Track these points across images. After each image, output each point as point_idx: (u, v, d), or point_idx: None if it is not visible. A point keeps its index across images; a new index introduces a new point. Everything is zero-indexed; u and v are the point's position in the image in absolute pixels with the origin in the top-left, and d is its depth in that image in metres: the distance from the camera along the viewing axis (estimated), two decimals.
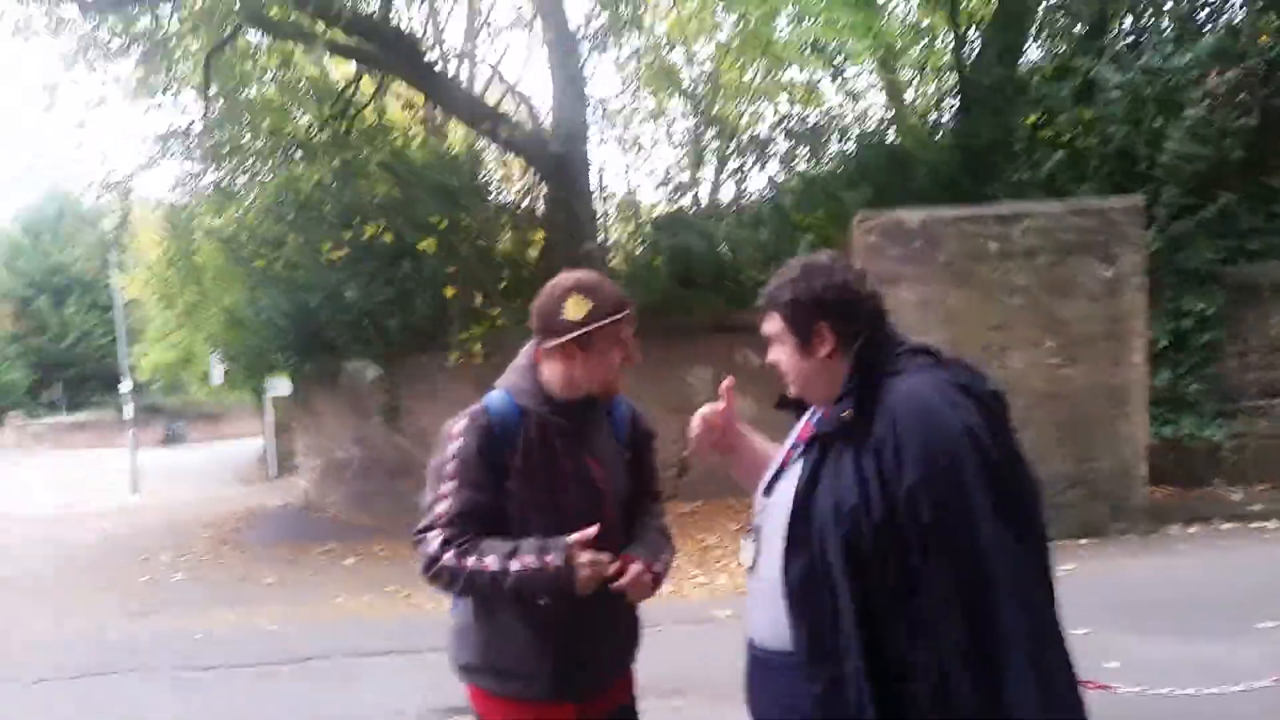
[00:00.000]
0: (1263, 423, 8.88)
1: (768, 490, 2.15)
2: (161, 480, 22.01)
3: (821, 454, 1.97)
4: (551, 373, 2.36)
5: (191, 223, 14.72)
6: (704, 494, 9.92)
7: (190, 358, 23.49)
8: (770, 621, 2.04)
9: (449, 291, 10.88)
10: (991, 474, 1.81)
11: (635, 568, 2.31)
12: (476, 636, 2.36)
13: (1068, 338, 7.93)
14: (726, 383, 2.39)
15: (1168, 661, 4.81)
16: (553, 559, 2.18)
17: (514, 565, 2.18)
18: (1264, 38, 10.10)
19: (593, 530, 2.21)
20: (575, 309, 2.28)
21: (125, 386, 23.87)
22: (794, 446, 2.15)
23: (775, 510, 2.06)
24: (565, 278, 2.36)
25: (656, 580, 2.38)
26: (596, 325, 2.27)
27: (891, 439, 1.85)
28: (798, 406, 2.24)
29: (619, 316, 2.31)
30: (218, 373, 20.94)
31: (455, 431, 2.30)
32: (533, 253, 13.23)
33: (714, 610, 6.60)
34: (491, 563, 2.19)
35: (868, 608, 1.86)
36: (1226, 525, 7.84)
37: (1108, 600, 6.13)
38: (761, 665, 2.12)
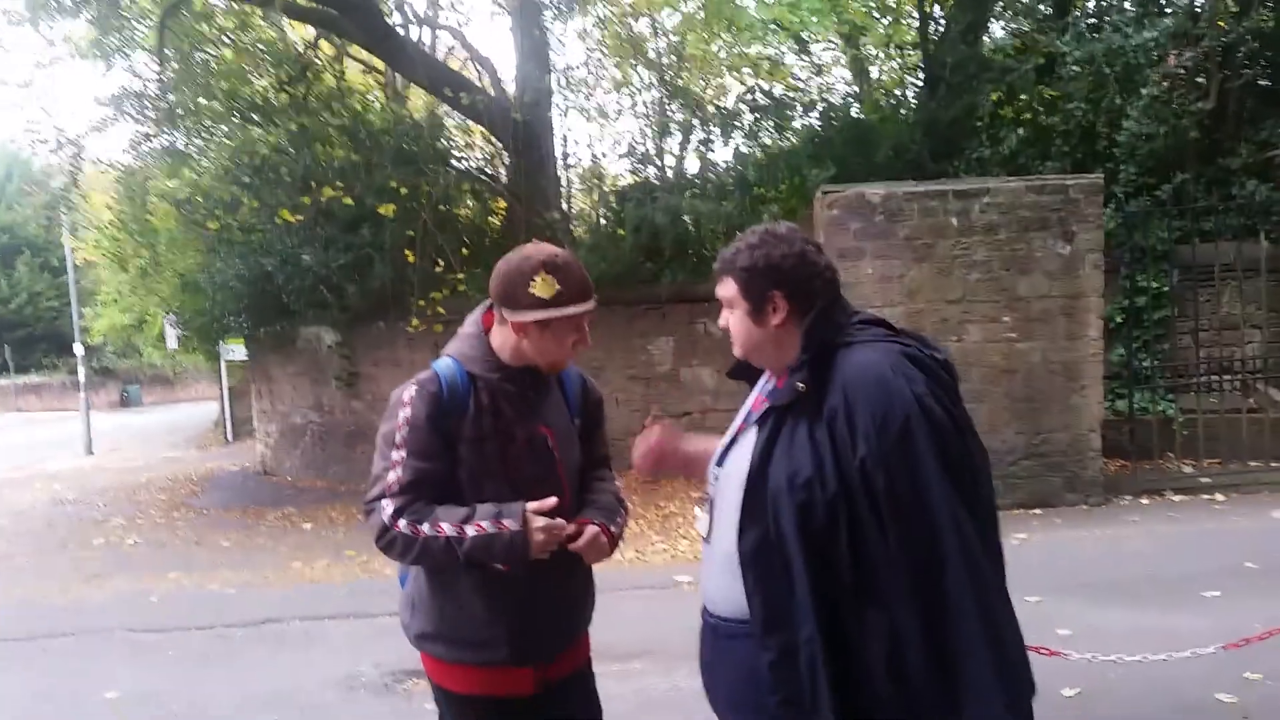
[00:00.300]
0: (1213, 399, 9.07)
1: (720, 460, 2.16)
2: (115, 443, 21.74)
3: (776, 425, 1.99)
4: (502, 341, 2.32)
5: (145, 185, 14.45)
6: None
7: (144, 321, 23.16)
8: (725, 590, 2.06)
9: (410, 257, 10.78)
10: (941, 443, 1.84)
11: (591, 530, 2.32)
12: (431, 605, 2.34)
13: (1025, 313, 8.04)
14: (650, 420, 2.42)
15: (1117, 629, 4.92)
16: (508, 523, 2.16)
17: (469, 530, 2.16)
18: (1221, 23, 10.23)
19: (551, 501, 2.21)
20: (544, 287, 2.21)
21: (78, 349, 23.49)
22: (746, 417, 2.16)
23: (728, 480, 2.08)
24: (537, 251, 2.29)
25: (613, 542, 2.39)
26: (560, 313, 2.23)
27: (844, 409, 1.87)
28: (749, 377, 2.26)
29: (584, 309, 2.27)
30: (172, 337, 20.66)
31: (405, 399, 2.26)
32: (495, 221, 13.15)
33: (675, 576, 6.65)
34: (446, 528, 2.17)
35: (821, 577, 1.88)
36: (1177, 498, 8.02)
37: (1059, 569, 6.26)
38: (716, 632, 2.15)
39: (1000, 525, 2.02)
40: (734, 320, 2.11)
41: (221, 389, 22.02)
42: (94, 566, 8.57)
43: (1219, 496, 7.95)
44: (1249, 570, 5.90)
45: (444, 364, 2.32)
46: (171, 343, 21.28)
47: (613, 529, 2.40)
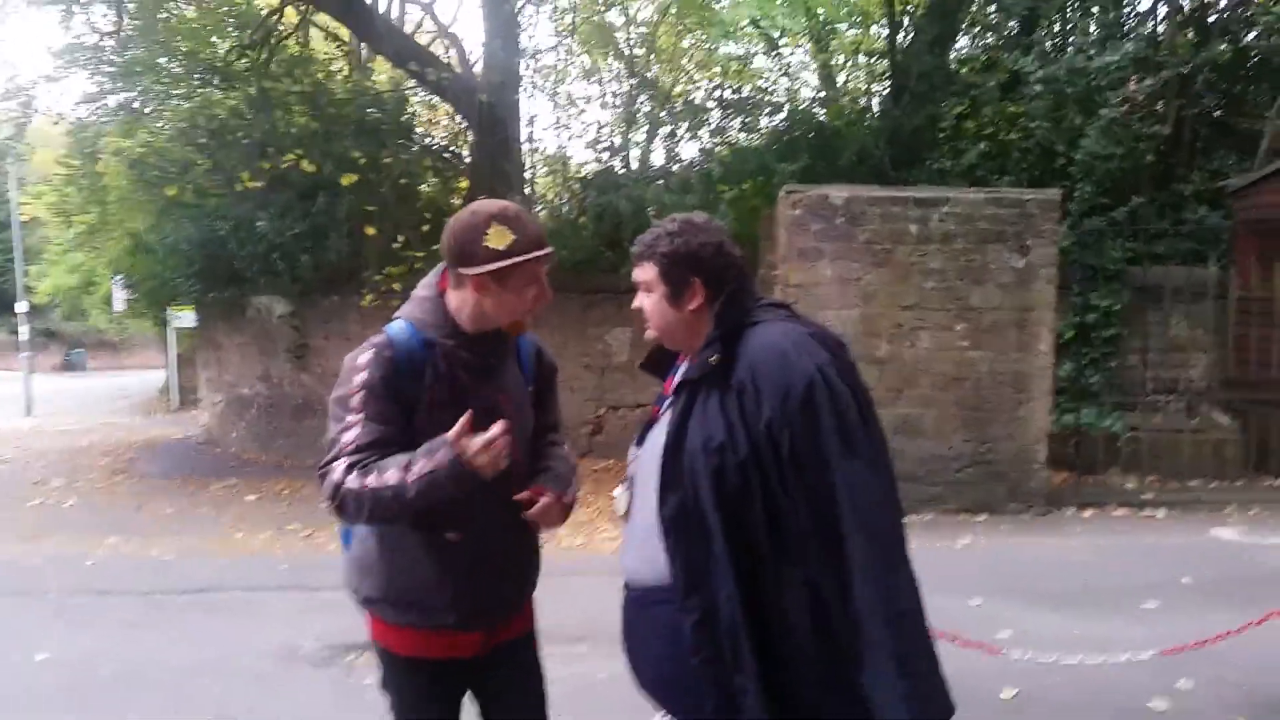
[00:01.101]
0: (1157, 418, 9.26)
1: (640, 441, 2.27)
2: (57, 406, 21.26)
3: (690, 398, 2.10)
4: (460, 303, 2.29)
5: (98, 142, 14.14)
6: (617, 453, 9.96)
7: (92, 282, 22.69)
8: (645, 559, 2.15)
9: (369, 230, 10.65)
10: (840, 409, 1.96)
11: (546, 499, 2.34)
12: (380, 568, 2.32)
13: (977, 323, 8.14)
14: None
15: (1055, 634, 5.01)
16: (440, 454, 2.11)
17: (410, 475, 2.11)
18: (1181, 50, 10.45)
19: (500, 425, 2.15)
20: (498, 238, 2.19)
21: (21, 308, 22.93)
22: (660, 402, 2.28)
23: (647, 458, 2.19)
24: (486, 204, 2.28)
25: (566, 510, 2.42)
26: (519, 259, 2.21)
27: (751, 381, 2.00)
28: (660, 370, 2.36)
29: (542, 253, 2.25)
30: (120, 299, 20.25)
31: (360, 363, 2.22)
32: (456, 201, 13.04)
33: None
34: (391, 477, 2.12)
35: (736, 538, 1.99)
36: (1119, 512, 8.17)
37: (1001, 574, 6.37)
38: (637, 603, 2.23)
39: (903, 512, 2.09)
40: (650, 302, 2.22)
41: (168, 356, 21.63)
42: (29, 527, 8.38)
43: (1159, 513, 8.12)
44: (1185, 585, 6.03)
45: (398, 327, 2.29)
46: (119, 305, 20.84)
47: (567, 498, 2.41)
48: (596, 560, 6.77)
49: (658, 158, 14.78)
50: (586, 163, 14.16)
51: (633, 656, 2.27)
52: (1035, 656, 4.12)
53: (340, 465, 2.16)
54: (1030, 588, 6.04)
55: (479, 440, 2.12)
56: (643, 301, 2.23)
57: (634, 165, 14.01)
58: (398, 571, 2.30)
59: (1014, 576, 6.32)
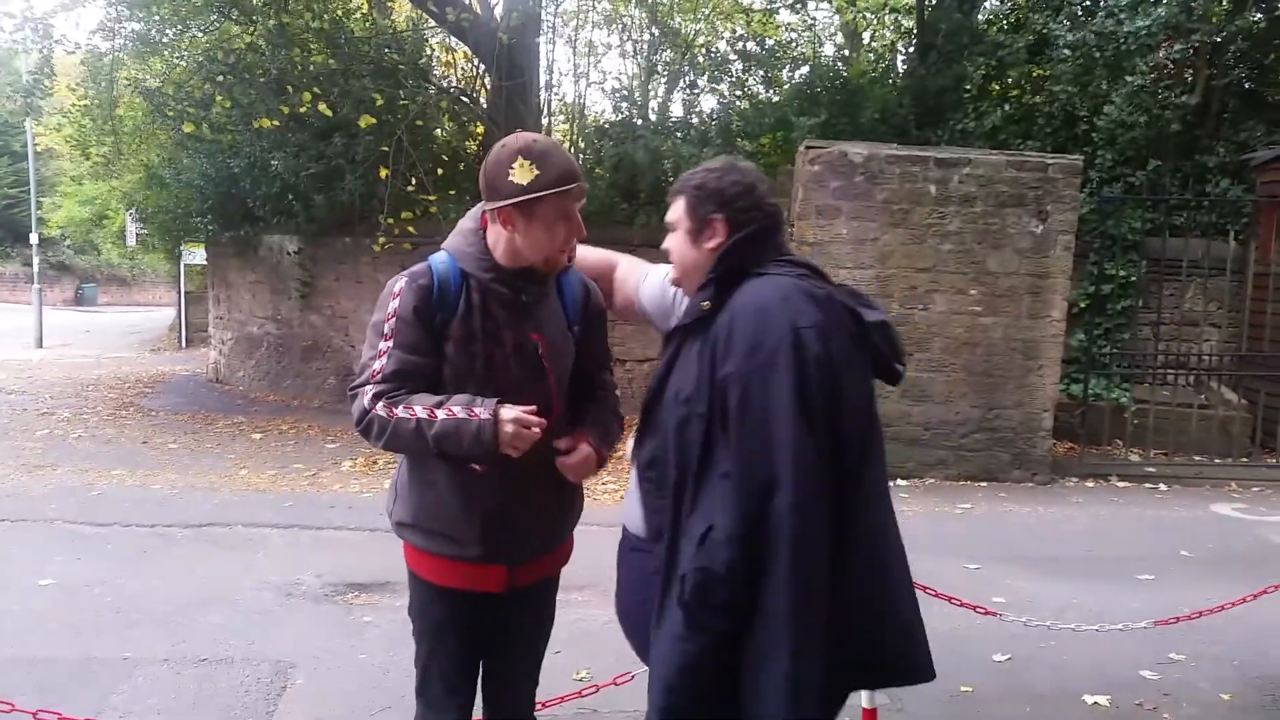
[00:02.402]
0: (1165, 391, 9.21)
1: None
2: (67, 339, 21.35)
3: (679, 344, 2.05)
4: (495, 239, 2.28)
5: (115, 72, 14.02)
6: (625, 408, 9.95)
7: (105, 215, 22.65)
8: (636, 508, 2.17)
9: (382, 172, 10.58)
10: (803, 378, 1.84)
11: (584, 449, 2.33)
12: (410, 495, 2.36)
13: (992, 288, 8.08)
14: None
15: (1051, 602, 5.03)
16: (480, 411, 2.13)
17: (440, 414, 2.15)
18: (1214, 18, 10.25)
19: (531, 408, 2.18)
20: (523, 173, 2.16)
21: (34, 239, 22.96)
22: None
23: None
24: (516, 138, 2.25)
25: (601, 463, 2.39)
26: (541, 193, 2.17)
27: (725, 331, 1.92)
28: None
29: (567, 188, 2.20)
30: (132, 233, 20.25)
31: (395, 290, 2.25)
32: (471, 145, 12.95)
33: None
34: (418, 411, 2.17)
35: (687, 489, 1.92)
36: (1121, 484, 8.16)
37: (1000, 541, 6.37)
38: (623, 547, 2.27)
39: (883, 473, 2.04)
40: (674, 241, 2.16)
41: (179, 293, 21.65)
42: (36, 457, 8.44)
43: (1162, 486, 8.10)
44: (1184, 558, 6.05)
45: (439, 258, 2.30)
46: (131, 240, 20.83)
47: (604, 452, 2.40)
48: (598, 512, 6.74)
49: (676, 110, 14.65)
50: (604, 111, 14.03)
51: (617, 596, 2.33)
52: (1029, 621, 4.12)
53: (369, 391, 2.22)
54: (1028, 554, 6.05)
55: (515, 414, 2.14)
56: (669, 242, 2.17)
57: (652, 116, 13.87)
58: (426, 499, 2.34)
59: (1012, 544, 6.33)
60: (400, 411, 2.18)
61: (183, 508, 6.76)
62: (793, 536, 1.79)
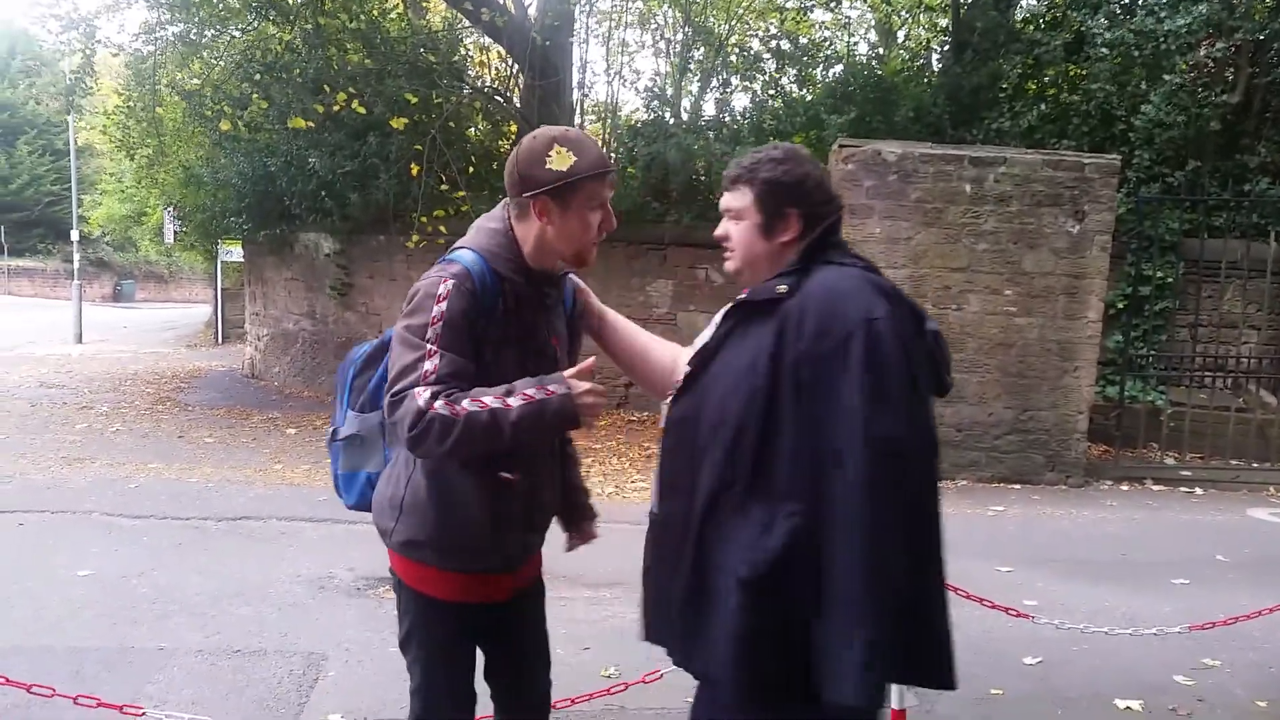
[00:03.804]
0: (1203, 394, 9.09)
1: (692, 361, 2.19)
2: (105, 335, 21.67)
3: (736, 321, 2.02)
4: (524, 234, 2.24)
5: (156, 73, 14.21)
6: (652, 405, 10.00)
7: (144, 213, 22.95)
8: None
9: (415, 171, 10.65)
10: (875, 363, 1.83)
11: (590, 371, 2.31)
12: (425, 512, 2.27)
13: (1028, 289, 8.02)
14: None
15: (1084, 605, 4.98)
16: (555, 388, 2.09)
17: (514, 401, 2.08)
18: (1257, 15, 10.10)
19: (591, 361, 2.17)
20: (560, 160, 2.15)
21: (74, 236, 23.31)
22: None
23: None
24: (548, 129, 2.25)
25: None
26: (580, 177, 2.16)
27: (798, 312, 1.90)
28: None
29: (604, 172, 2.21)
30: (170, 231, 20.51)
31: (439, 293, 2.14)
32: (504, 144, 13.00)
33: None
34: (490, 400, 2.08)
35: (724, 459, 1.91)
36: (1157, 487, 8.08)
37: (1033, 544, 6.32)
38: (653, 526, 2.16)
39: (940, 462, 2.02)
40: (739, 231, 2.11)
41: (215, 290, 21.91)
42: (75, 450, 8.58)
43: (1198, 490, 8.01)
44: (1220, 563, 5.97)
45: (470, 259, 2.22)
46: (169, 237, 21.09)
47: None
48: (626, 509, 6.79)
49: (708, 108, 14.62)
50: (636, 110, 14.03)
51: (643, 583, 2.21)
52: (1062, 624, 4.08)
53: (423, 392, 2.08)
54: (1061, 558, 5.99)
55: (589, 384, 2.12)
56: (729, 229, 2.13)
57: (684, 115, 13.85)
58: (448, 514, 2.26)
59: (1046, 547, 6.27)
60: (468, 405, 2.07)
61: (218, 501, 6.85)
62: (864, 519, 1.78)
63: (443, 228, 10.50)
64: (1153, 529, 6.84)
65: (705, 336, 2.20)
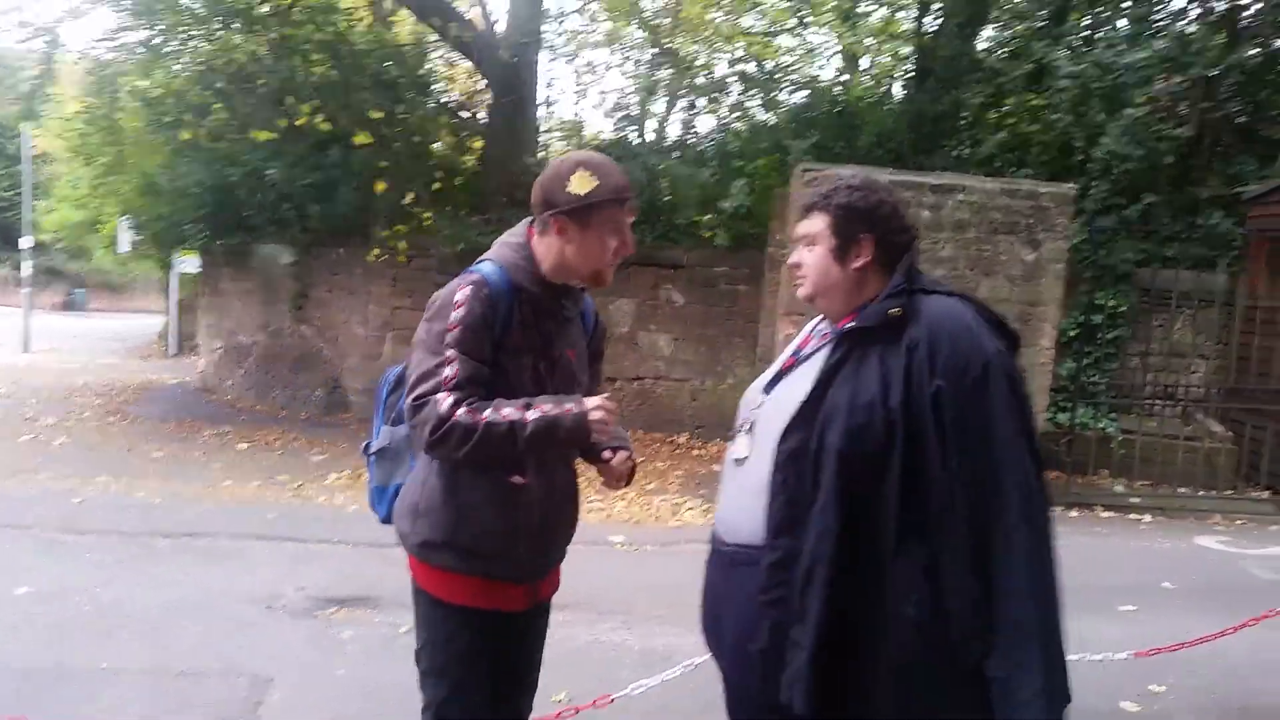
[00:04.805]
0: (1152, 423, 9.22)
1: (769, 388, 2.18)
2: (55, 344, 21.26)
3: (848, 350, 2.01)
4: (544, 251, 2.33)
5: (116, 81, 14.01)
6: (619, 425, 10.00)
7: (98, 220, 22.58)
8: (752, 514, 2.06)
9: (379, 186, 10.57)
10: (1014, 394, 1.92)
11: (625, 454, 2.41)
12: (443, 514, 2.32)
13: None
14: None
15: None
16: (570, 405, 2.19)
17: (531, 414, 2.17)
18: (1211, 53, 10.33)
19: (606, 394, 2.33)
20: (581, 183, 2.25)
21: (25, 243, 22.87)
22: (796, 354, 2.19)
23: (775, 406, 2.09)
24: (573, 154, 2.37)
25: (633, 471, 2.45)
26: (600, 200, 2.25)
27: (926, 343, 1.91)
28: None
29: (624, 199, 2.30)
30: (125, 239, 20.19)
31: (458, 299, 2.24)
32: (469, 160, 12.97)
33: (608, 535, 6.68)
34: (510, 413, 2.17)
35: (853, 494, 1.91)
36: (1106, 514, 8.16)
37: None
38: (731, 560, 2.14)
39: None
40: (812, 257, 2.13)
41: (169, 301, 21.59)
42: (19, 462, 8.38)
43: (1146, 517, 8.10)
44: (1166, 590, 6.04)
45: (489, 269, 2.31)
46: (124, 246, 20.76)
47: (635, 458, 2.47)
48: (582, 530, 6.74)
49: (674, 129, 14.70)
50: (602, 131, 14.07)
51: (714, 613, 2.20)
52: None
53: (446, 398, 2.18)
54: None
55: (599, 401, 2.22)
56: (803, 256, 2.15)
57: (649, 135, 13.91)
58: (463, 515, 2.31)
59: None
60: (489, 414, 2.17)
61: (165, 517, 6.72)
62: (1029, 548, 1.86)
63: (402, 244, 10.43)
64: (1101, 555, 6.91)
65: (778, 366, 2.23)
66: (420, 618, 2.43)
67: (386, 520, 2.56)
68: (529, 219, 2.39)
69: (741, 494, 2.12)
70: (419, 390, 2.21)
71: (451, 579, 2.34)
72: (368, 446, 2.58)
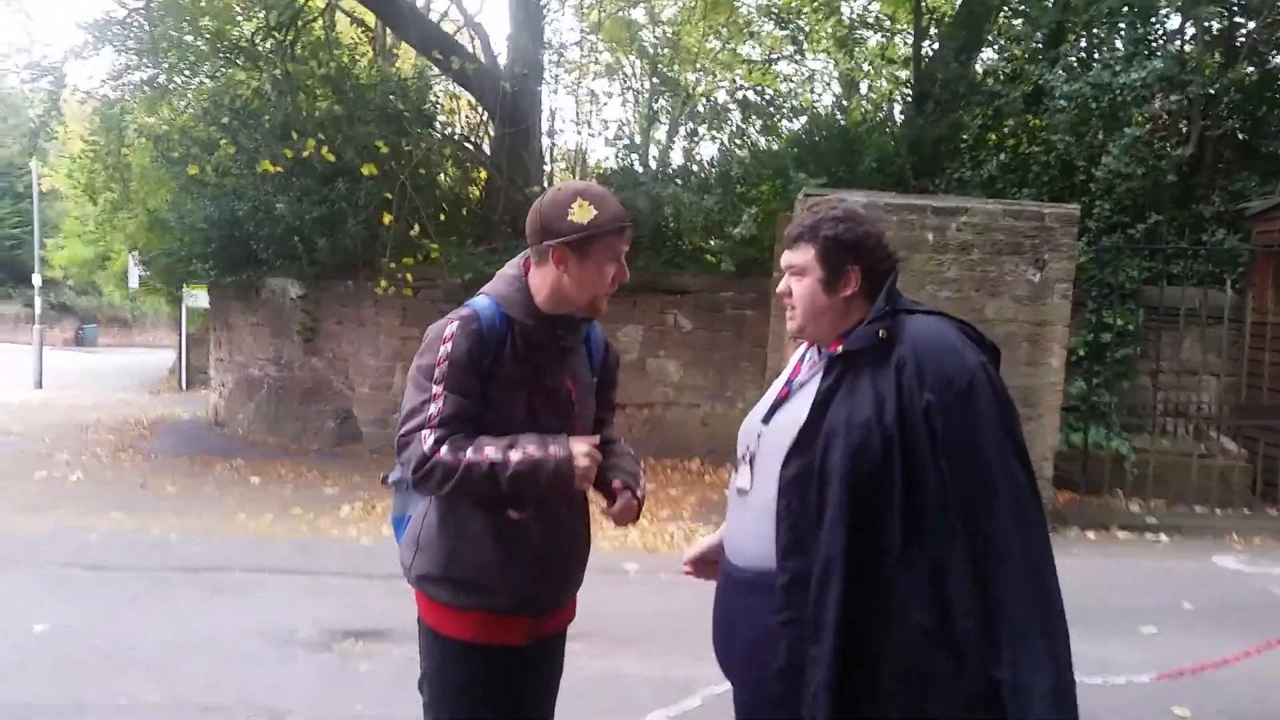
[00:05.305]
0: (1165, 441, 9.20)
1: (767, 419, 2.22)
2: (67, 380, 21.36)
3: (841, 374, 2.07)
4: (541, 281, 2.33)
5: (124, 118, 14.18)
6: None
7: (107, 257, 22.75)
8: (761, 540, 2.10)
9: (386, 218, 10.65)
10: (1000, 405, 1.99)
11: (626, 496, 2.37)
12: (440, 547, 2.32)
13: (990, 336, 8.04)
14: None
15: None
16: (554, 449, 2.19)
17: (514, 455, 2.17)
18: (1207, 70, 10.39)
19: (597, 438, 2.30)
20: (582, 213, 2.25)
21: (36, 280, 23.04)
22: (789, 384, 2.24)
23: (775, 434, 2.14)
24: (571, 184, 2.36)
25: (640, 506, 2.42)
26: (600, 230, 2.26)
27: (913, 360, 1.99)
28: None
29: (623, 227, 2.31)
30: (135, 275, 20.33)
31: (445, 335, 2.25)
32: (474, 191, 13.06)
33: (623, 563, 6.66)
34: (491, 454, 2.17)
35: (858, 512, 1.96)
36: (1123, 535, 8.11)
37: None
38: (742, 588, 2.18)
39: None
40: (801, 287, 2.18)
41: (180, 335, 21.69)
42: (33, 500, 8.42)
43: (1163, 537, 8.06)
44: (1186, 611, 6.00)
45: (482, 303, 2.32)
46: (134, 281, 20.90)
47: (640, 494, 2.43)
48: (595, 559, 6.72)
49: (676, 156, 14.79)
50: (605, 159, 14.16)
51: (726, 638, 2.25)
52: None
53: (429, 436, 2.19)
54: None
55: (586, 448, 2.22)
56: (791, 285, 2.20)
57: (652, 163, 14.00)
58: (458, 549, 2.30)
59: None
60: (470, 455, 2.17)
61: (179, 552, 6.73)
62: (1028, 553, 1.93)
63: (409, 275, 10.49)
64: (1119, 577, 6.87)
65: (772, 395, 2.27)
66: (423, 648, 2.43)
67: None
68: (524, 253, 2.40)
69: (748, 522, 2.18)
70: (405, 427, 2.23)
71: (449, 613, 2.32)
72: (386, 477, 2.58)
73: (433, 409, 2.21)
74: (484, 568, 2.29)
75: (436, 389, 2.22)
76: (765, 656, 2.07)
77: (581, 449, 2.21)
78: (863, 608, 1.95)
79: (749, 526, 2.17)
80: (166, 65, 13.04)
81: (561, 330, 2.36)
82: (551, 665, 2.54)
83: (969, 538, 1.91)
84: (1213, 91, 10.46)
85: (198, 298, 17.62)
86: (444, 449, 2.17)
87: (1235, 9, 11.26)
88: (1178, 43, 11.62)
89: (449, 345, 2.23)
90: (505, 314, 2.30)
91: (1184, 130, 11.07)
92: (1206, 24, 11.17)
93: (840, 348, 2.09)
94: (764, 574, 2.10)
